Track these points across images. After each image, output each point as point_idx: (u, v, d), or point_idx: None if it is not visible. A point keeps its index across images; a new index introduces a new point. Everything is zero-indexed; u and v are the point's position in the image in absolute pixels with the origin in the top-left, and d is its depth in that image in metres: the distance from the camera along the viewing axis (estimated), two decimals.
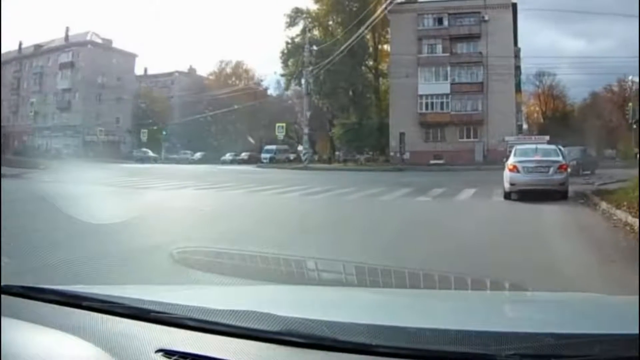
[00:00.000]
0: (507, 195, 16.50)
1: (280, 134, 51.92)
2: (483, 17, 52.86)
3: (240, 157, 59.92)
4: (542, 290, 3.66)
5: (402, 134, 49.05)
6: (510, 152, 19.01)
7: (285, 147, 59.38)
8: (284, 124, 52.22)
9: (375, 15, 51.03)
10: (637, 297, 2.16)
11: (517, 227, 11.26)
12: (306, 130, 49.45)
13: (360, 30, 49.89)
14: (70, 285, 2.24)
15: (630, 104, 46.30)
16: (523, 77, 61.01)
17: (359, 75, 60.82)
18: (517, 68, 55.22)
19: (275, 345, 1.65)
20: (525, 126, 65.89)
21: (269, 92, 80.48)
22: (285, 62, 61.92)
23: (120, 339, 1.74)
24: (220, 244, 7.21)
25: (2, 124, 56.18)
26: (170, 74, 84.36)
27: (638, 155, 23.87)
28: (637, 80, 51.71)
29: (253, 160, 56.67)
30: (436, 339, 1.58)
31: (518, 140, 40.87)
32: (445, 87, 53.17)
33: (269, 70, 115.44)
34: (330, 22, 62.02)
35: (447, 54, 53.82)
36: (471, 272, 3.10)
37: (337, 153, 58.14)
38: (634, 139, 43.34)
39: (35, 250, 7.35)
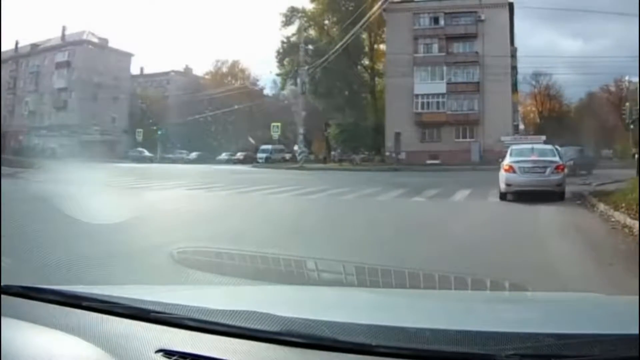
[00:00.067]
0: (503, 196, 16.40)
1: (275, 134, 51.80)
2: (479, 16, 52.95)
3: (236, 157, 59.95)
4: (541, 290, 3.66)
5: (397, 134, 49.01)
6: (506, 152, 18.95)
7: (281, 147, 59.24)
8: (279, 124, 52.09)
9: (370, 13, 50.97)
10: (637, 297, 2.16)
11: (512, 228, 11.22)
12: (302, 130, 49.34)
13: (355, 29, 49.85)
14: (70, 285, 2.24)
15: (627, 104, 46.44)
16: (519, 77, 61.17)
17: (354, 74, 60.83)
18: (514, 68, 55.34)
19: (275, 345, 1.65)
20: (521, 126, 66.13)
21: (265, 91, 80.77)
22: (281, 62, 61.84)
23: (120, 339, 1.74)
24: (213, 244, 7.17)
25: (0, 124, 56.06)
26: (166, 74, 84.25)
27: (636, 156, 23.79)
28: (634, 80, 51.79)
29: (249, 160, 56.64)
30: (436, 339, 1.58)
31: (514, 140, 40.81)
32: (441, 87, 53.24)
33: (265, 70, 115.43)
34: (326, 22, 62.02)
35: (443, 54, 53.90)
36: (463, 275, 3.10)
37: (332, 153, 58.10)
38: (632, 139, 43.39)
39: (33, 250, 7.32)
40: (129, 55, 75.33)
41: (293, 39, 59.07)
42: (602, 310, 2.21)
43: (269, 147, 57.99)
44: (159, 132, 62.45)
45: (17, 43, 74.07)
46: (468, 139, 52.25)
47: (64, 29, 71.52)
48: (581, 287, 5.72)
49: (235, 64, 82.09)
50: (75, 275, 5.68)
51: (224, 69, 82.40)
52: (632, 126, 43.10)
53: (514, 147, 19.04)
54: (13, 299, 2.00)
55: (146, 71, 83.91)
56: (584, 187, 18.82)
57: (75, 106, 69.08)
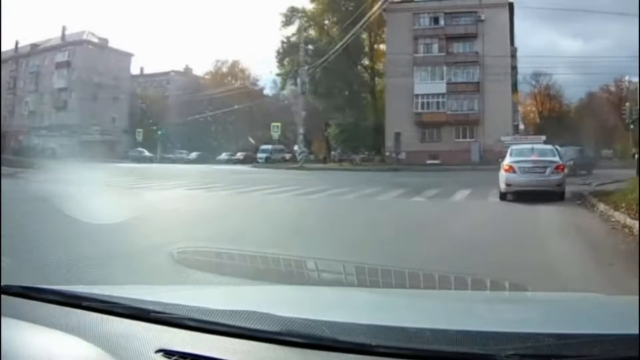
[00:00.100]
0: (503, 196, 16.38)
1: (275, 134, 51.76)
2: (479, 16, 52.94)
3: (236, 157, 59.95)
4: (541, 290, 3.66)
5: (397, 134, 48.99)
6: (506, 152, 18.92)
7: (281, 147, 59.21)
8: (279, 124, 52.04)
9: (370, 13, 50.96)
10: (637, 297, 2.16)
11: (512, 228, 11.21)
12: (302, 130, 49.31)
13: (355, 29, 49.84)
14: (70, 285, 2.24)
15: (627, 104, 46.42)
16: (519, 77, 61.15)
17: (354, 74, 60.82)
18: (514, 68, 55.32)
19: (275, 346, 1.65)
20: (521, 126, 66.10)
21: (265, 91, 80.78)
22: (280, 62, 61.82)
23: (120, 339, 1.74)
24: (213, 244, 7.17)
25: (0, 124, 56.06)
26: (166, 74, 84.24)
27: (636, 156, 23.77)
28: (634, 80, 51.78)
29: (249, 160, 56.64)
30: (436, 339, 1.58)
31: (514, 140, 40.79)
32: (441, 87, 53.23)
33: (265, 70, 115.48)
34: (326, 22, 62.00)
35: (443, 54, 53.89)
36: (463, 275, 3.10)
37: (332, 153, 58.07)
38: (632, 139, 43.38)
39: (33, 250, 7.32)
40: (129, 55, 75.35)
41: (293, 39, 59.04)
42: (602, 310, 2.21)
43: (269, 147, 57.96)
44: (159, 132, 62.44)
45: (17, 43, 74.18)
46: (468, 139, 52.24)
47: (64, 29, 71.68)
48: (581, 287, 5.71)
49: (235, 64, 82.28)
50: (75, 275, 5.67)
51: (224, 69, 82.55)
52: (632, 126, 43.09)
53: (514, 147, 19.00)
54: (13, 299, 2.00)
55: (146, 71, 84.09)
56: (584, 187, 18.78)
57: (75, 106, 69.06)
